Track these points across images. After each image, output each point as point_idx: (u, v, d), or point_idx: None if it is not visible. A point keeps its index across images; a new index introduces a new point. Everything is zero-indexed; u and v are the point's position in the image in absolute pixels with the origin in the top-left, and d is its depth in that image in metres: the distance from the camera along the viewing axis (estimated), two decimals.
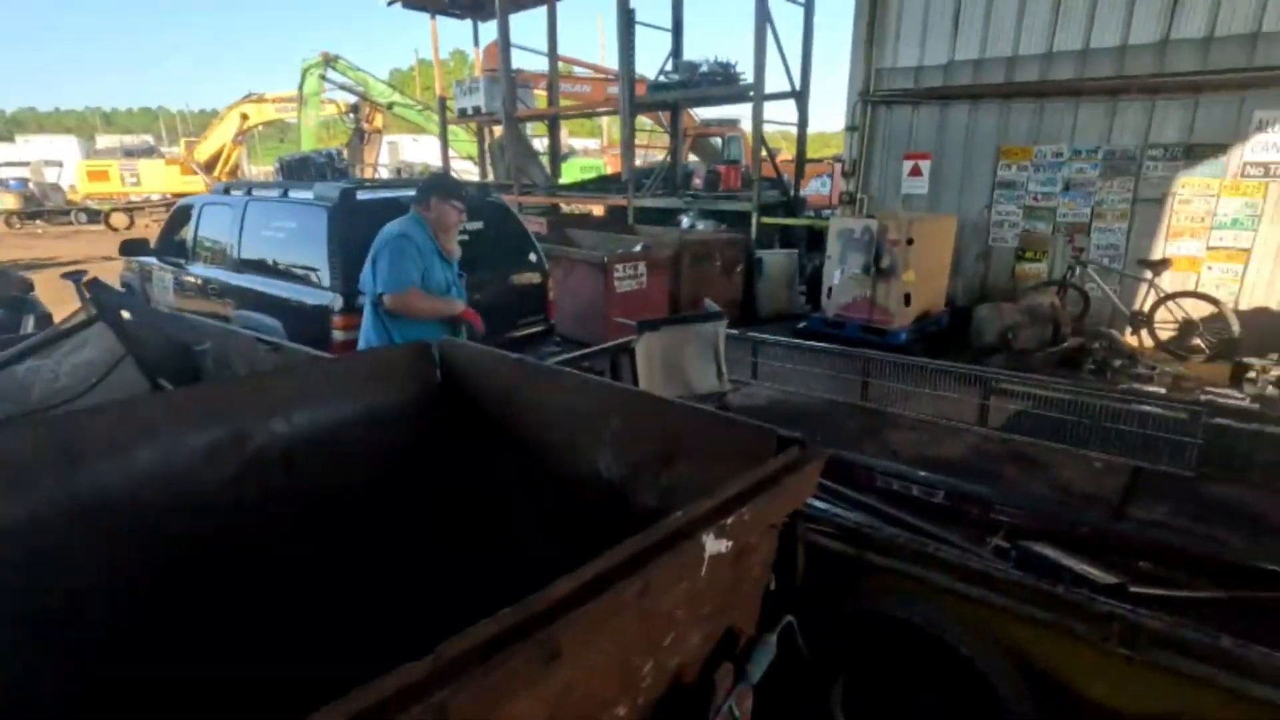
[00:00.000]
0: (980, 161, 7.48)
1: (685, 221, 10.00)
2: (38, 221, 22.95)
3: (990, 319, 6.04)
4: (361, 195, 4.59)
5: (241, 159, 25.13)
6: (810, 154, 10.62)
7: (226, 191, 5.67)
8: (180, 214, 5.99)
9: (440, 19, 14.50)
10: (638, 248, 8.14)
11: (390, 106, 21.09)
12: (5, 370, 2.00)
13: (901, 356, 3.82)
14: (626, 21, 10.05)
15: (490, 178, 15.32)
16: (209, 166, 22.87)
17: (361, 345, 3.28)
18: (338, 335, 4.20)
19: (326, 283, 4.32)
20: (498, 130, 13.64)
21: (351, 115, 21.69)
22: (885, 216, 6.90)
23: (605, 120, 31.54)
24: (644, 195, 10.61)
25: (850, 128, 8.10)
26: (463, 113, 13.63)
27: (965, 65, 7.35)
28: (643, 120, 18.41)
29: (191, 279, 5.55)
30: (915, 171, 7.88)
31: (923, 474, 2.85)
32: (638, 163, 12.21)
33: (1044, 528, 2.50)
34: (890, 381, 3.87)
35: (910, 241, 6.61)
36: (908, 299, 6.74)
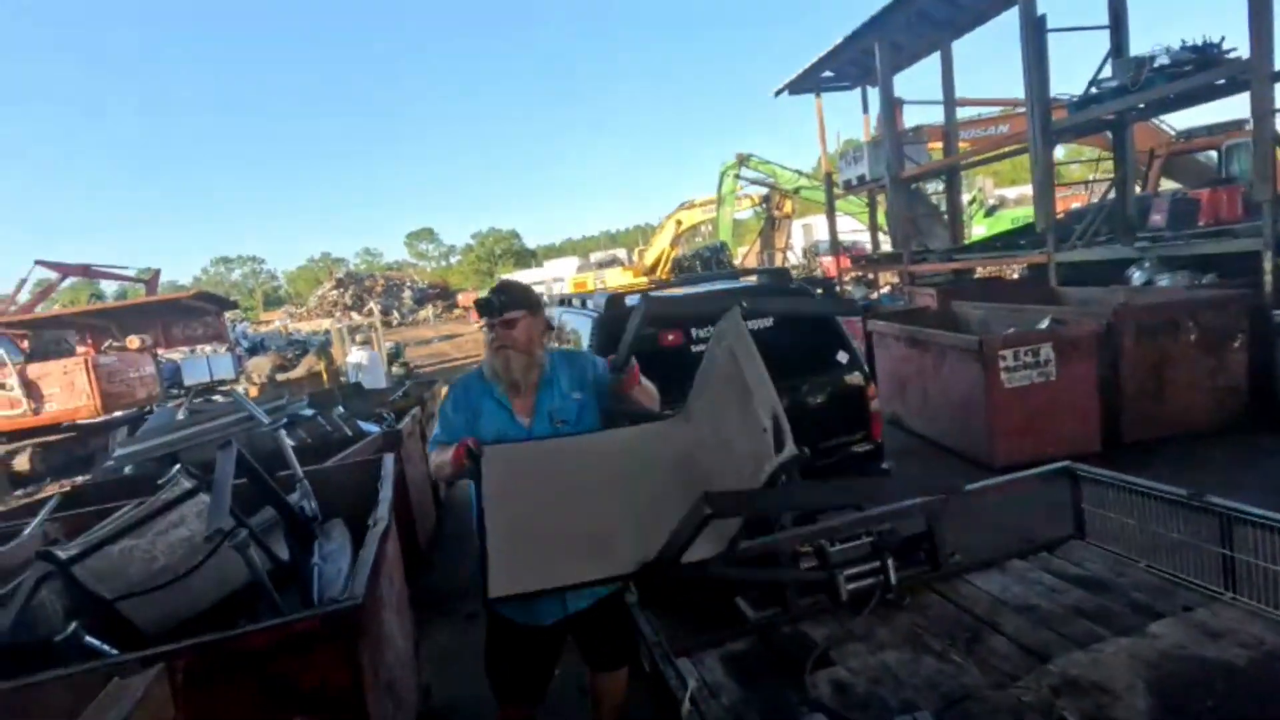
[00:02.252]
0: None
1: (1138, 276, 7.02)
2: None
3: None
4: (635, 301, 4.08)
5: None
6: None
7: (580, 304, 4.89)
8: None
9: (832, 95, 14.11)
10: (1044, 323, 5.87)
11: (797, 191, 21.68)
12: (100, 551, 1.97)
13: None
14: (1035, 31, 7.89)
15: (886, 248, 13.97)
16: (652, 269, 26.86)
17: None
18: None
19: None
20: None
21: (764, 205, 23.10)
22: None
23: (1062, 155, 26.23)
24: (1072, 246, 7.93)
25: None
26: (848, 184, 12.78)
27: None
28: (1086, 151, 14.58)
29: None
30: None
31: None
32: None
33: None
34: None
35: None
36: None
